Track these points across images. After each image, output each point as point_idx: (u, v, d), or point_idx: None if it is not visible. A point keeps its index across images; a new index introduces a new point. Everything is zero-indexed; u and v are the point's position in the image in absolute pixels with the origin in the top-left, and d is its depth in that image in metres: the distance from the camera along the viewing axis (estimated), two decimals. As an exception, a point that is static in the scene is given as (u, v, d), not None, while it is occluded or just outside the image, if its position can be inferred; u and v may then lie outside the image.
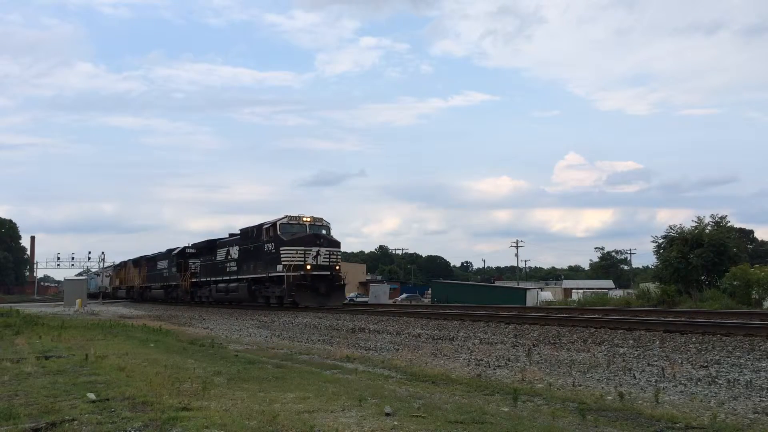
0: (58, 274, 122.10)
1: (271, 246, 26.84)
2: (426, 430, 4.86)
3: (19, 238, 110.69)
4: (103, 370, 8.25)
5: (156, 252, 49.34)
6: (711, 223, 37.01)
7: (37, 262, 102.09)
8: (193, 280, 37.63)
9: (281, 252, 25.85)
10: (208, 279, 35.10)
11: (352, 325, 16.81)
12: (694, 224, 36.84)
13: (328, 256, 26.06)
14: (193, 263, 38.71)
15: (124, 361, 9.17)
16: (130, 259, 57.29)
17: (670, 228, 37.51)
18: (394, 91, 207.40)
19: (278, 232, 26.46)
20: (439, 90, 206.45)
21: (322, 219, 27.21)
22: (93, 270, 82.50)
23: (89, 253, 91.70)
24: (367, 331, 15.25)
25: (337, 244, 27.24)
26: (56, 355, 10.15)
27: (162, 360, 9.51)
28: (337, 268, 26.34)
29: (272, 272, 26.72)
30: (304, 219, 26.55)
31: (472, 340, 12.15)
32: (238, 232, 32.84)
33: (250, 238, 29.51)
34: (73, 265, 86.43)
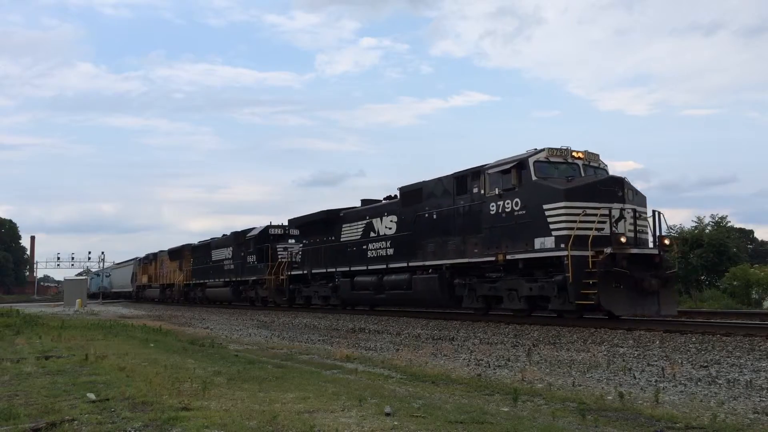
0: (58, 274, 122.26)
1: (514, 203, 14.51)
2: (426, 430, 4.86)
3: (19, 238, 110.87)
4: (103, 370, 8.25)
5: (208, 238, 38.67)
6: (711, 223, 37.02)
7: (37, 262, 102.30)
8: (291, 273, 25.61)
9: (552, 211, 13.67)
10: (326, 270, 22.93)
11: (352, 325, 16.82)
12: (694, 224, 36.85)
13: (640, 223, 14.16)
14: (284, 248, 27.98)
15: (124, 361, 9.17)
16: (163, 250, 46.29)
17: (670, 228, 37.53)
18: (394, 92, 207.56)
19: (533, 175, 14.26)
20: (439, 90, 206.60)
21: (597, 156, 15.45)
22: (93, 270, 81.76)
23: (89, 253, 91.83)
24: (367, 331, 15.26)
25: (645, 202, 14.80)
26: (56, 355, 10.15)
27: (162, 360, 9.51)
28: (667, 243, 14.29)
29: (521, 250, 14.16)
30: (576, 154, 14.98)
31: (472, 340, 12.16)
32: (380, 200, 21.69)
33: (437, 194, 17.42)
34: (73, 265, 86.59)
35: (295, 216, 26.86)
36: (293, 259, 26.12)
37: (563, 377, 7.81)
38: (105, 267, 74.57)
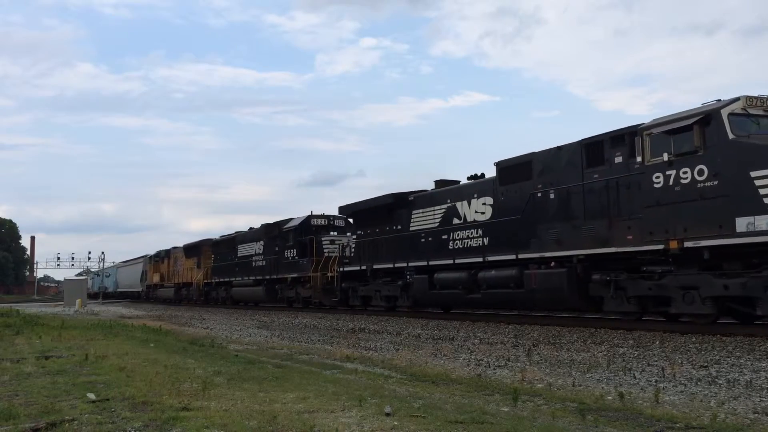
0: (58, 274, 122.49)
1: (697, 171, 10.84)
2: (426, 429, 4.86)
3: (19, 238, 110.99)
4: (103, 370, 8.25)
5: (233, 232, 34.24)
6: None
7: (37, 262, 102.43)
8: (344, 269, 21.84)
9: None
10: (393, 265, 18.96)
11: (352, 325, 16.83)
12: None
13: None
14: (330, 241, 24.37)
15: (124, 361, 9.17)
16: (177, 247, 42.83)
17: None
18: (394, 92, 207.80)
19: (729, 132, 10.51)
20: (439, 90, 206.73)
21: None
22: (93, 269, 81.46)
23: (89, 253, 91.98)
24: (367, 331, 15.26)
25: None
26: (56, 355, 10.15)
27: (162, 360, 9.51)
28: None
29: (711, 234, 10.56)
30: None
31: (472, 340, 12.16)
32: (459, 181, 18.34)
33: (555, 167, 13.86)
34: (73, 265, 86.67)
35: (348, 203, 22.76)
36: (345, 253, 22.32)
37: (563, 377, 7.81)
38: (109, 266, 72.81)
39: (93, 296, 60.20)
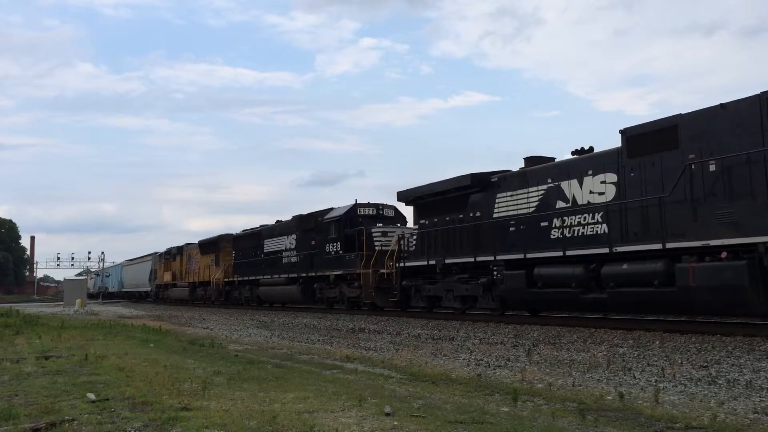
0: (58, 274, 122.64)
1: None
2: (426, 429, 4.86)
3: (19, 238, 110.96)
4: (103, 370, 8.25)
5: (257, 226, 31.30)
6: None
7: (37, 262, 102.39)
8: (406, 264, 18.75)
9: None
10: (473, 258, 16.21)
11: (352, 325, 16.83)
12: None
13: None
14: (382, 233, 21.09)
15: (124, 361, 9.17)
16: (191, 243, 40.51)
17: None
18: (394, 92, 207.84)
19: None
20: (439, 90, 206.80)
21: None
22: (93, 269, 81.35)
23: (89, 253, 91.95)
24: (367, 331, 15.26)
25: None
26: (56, 355, 10.15)
27: (162, 360, 9.51)
28: None
29: None
30: None
31: (472, 340, 12.16)
32: (553, 158, 15.71)
33: (720, 130, 10.99)
34: (73, 265, 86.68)
35: (408, 187, 19.28)
36: (402, 247, 19.21)
37: (563, 377, 7.81)
38: (109, 265, 72.25)
39: (97, 296, 59.88)
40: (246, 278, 30.41)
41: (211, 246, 35.64)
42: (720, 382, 7.12)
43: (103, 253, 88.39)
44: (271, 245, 28.10)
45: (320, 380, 7.60)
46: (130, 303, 50.15)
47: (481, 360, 9.53)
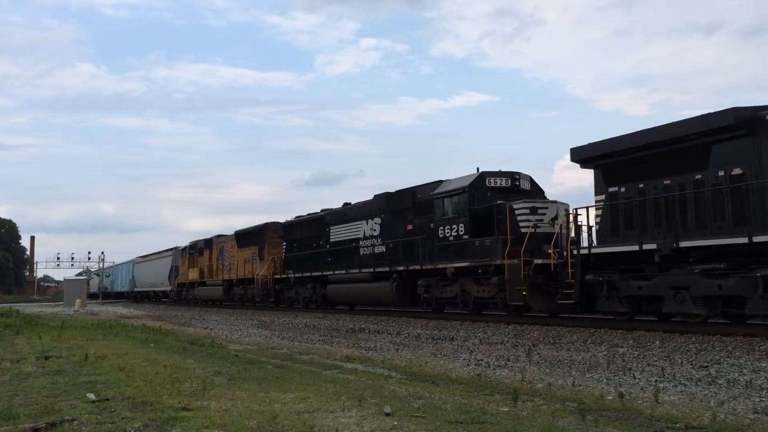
0: (58, 274, 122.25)
1: None
2: (426, 429, 4.86)
3: (19, 238, 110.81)
4: (103, 370, 8.25)
5: (317, 211, 25.93)
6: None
7: (37, 262, 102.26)
8: (592, 250, 13.01)
9: None
10: (749, 240, 10.14)
11: (352, 325, 16.81)
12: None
13: None
14: (529, 210, 15.28)
15: (124, 361, 9.17)
16: (222, 235, 35.21)
17: None
18: (394, 92, 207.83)
19: None
20: (438, 90, 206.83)
21: None
22: (93, 269, 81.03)
23: (89, 253, 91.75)
24: (367, 331, 15.25)
25: None
26: (56, 355, 10.15)
27: (162, 360, 9.51)
28: None
29: None
30: None
31: (472, 340, 12.15)
32: None
33: None
34: (72, 265, 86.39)
35: (591, 141, 13.57)
36: (576, 227, 13.63)
37: (563, 377, 7.80)
38: (127, 261, 70.49)
39: (104, 296, 58.99)
40: (305, 274, 24.62)
41: (252, 237, 30.25)
42: (720, 382, 7.12)
43: (103, 253, 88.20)
44: (340, 233, 22.83)
45: (320, 380, 7.59)
46: (130, 303, 50.09)
47: (481, 360, 9.53)
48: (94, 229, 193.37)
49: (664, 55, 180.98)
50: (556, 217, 15.19)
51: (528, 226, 14.92)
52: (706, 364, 8.21)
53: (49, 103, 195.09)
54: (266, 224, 29.25)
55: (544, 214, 15.41)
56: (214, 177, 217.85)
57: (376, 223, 20.65)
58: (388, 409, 5.48)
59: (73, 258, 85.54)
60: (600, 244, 13.20)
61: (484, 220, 15.99)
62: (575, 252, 13.23)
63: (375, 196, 21.18)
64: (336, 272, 22.30)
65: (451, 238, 16.90)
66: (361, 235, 21.32)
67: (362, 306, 22.83)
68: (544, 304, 14.42)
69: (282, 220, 28.24)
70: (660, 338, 10.73)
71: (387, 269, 19.44)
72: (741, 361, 8.33)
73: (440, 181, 18.24)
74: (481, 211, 16.14)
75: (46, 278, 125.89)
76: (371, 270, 20.18)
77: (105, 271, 66.12)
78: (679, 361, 8.60)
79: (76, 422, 5.08)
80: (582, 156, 13.84)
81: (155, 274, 46.90)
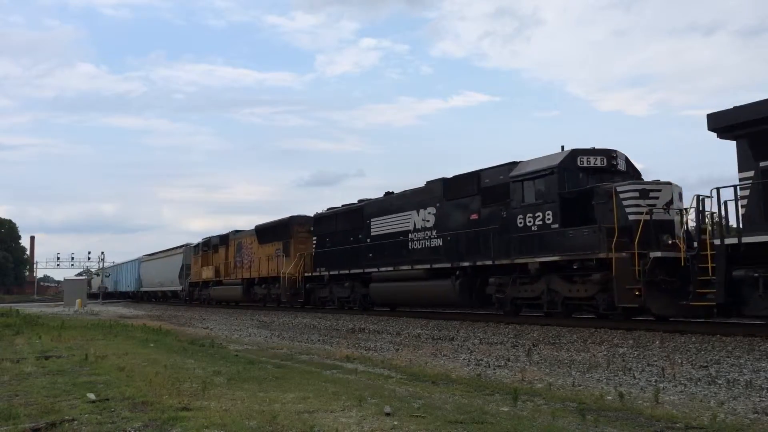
0: (58, 274, 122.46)
1: None
2: (426, 429, 4.86)
3: (19, 238, 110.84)
4: (103, 370, 8.25)
5: (353, 202, 23.47)
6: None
7: (36, 262, 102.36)
8: (741, 240, 10.18)
9: None
10: None
11: (352, 325, 16.81)
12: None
13: None
14: (639, 193, 12.82)
15: (124, 361, 9.17)
16: (240, 230, 33.38)
17: None
18: (394, 92, 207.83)
19: None
20: (438, 90, 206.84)
21: None
22: (93, 269, 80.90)
23: (89, 253, 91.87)
24: (367, 331, 15.26)
25: None
26: (56, 355, 10.15)
27: (162, 360, 9.51)
28: None
29: None
30: None
31: (471, 340, 12.16)
32: None
33: None
34: (72, 265, 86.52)
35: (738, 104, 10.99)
36: (697, 213, 11.80)
37: (563, 377, 7.80)
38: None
39: (105, 296, 58.60)
40: (341, 272, 22.23)
41: (276, 231, 27.90)
42: (720, 382, 7.12)
43: (103, 253, 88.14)
44: (383, 225, 20.39)
45: (320, 380, 7.59)
46: (131, 303, 50.07)
47: (481, 360, 9.53)
48: (94, 229, 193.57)
49: (664, 55, 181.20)
50: (671, 202, 13.04)
51: (639, 213, 12.61)
52: (706, 364, 8.22)
53: (49, 103, 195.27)
54: (292, 217, 27.02)
55: (657, 197, 13.00)
56: (214, 177, 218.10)
57: (429, 213, 18.30)
58: (388, 409, 5.48)
59: (73, 258, 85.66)
60: (747, 231, 10.48)
61: (578, 205, 13.79)
62: (717, 242, 10.63)
63: (427, 182, 18.89)
64: (381, 269, 19.82)
65: (534, 229, 14.55)
66: (411, 227, 18.95)
67: (416, 308, 20.31)
68: (666, 307, 12.16)
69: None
70: (660, 338, 10.74)
71: (448, 265, 17.01)
72: (741, 361, 8.34)
73: (514, 163, 15.77)
74: (575, 196, 13.89)
75: (46, 278, 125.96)
76: (427, 266, 17.80)
77: (105, 271, 66.01)
78: (679, 361, 8.60)
79: (76, 422, 5.08)
80: (722, 123, 11.18)
81: (164, 273, 44.45)
